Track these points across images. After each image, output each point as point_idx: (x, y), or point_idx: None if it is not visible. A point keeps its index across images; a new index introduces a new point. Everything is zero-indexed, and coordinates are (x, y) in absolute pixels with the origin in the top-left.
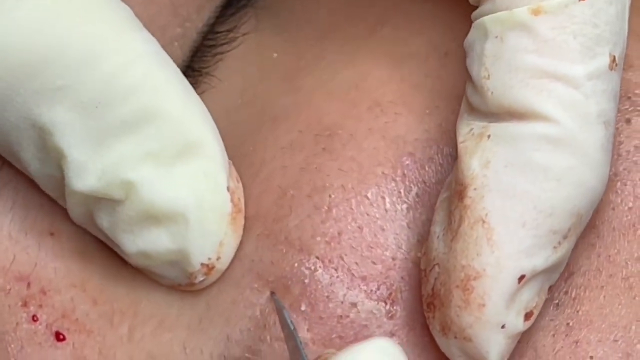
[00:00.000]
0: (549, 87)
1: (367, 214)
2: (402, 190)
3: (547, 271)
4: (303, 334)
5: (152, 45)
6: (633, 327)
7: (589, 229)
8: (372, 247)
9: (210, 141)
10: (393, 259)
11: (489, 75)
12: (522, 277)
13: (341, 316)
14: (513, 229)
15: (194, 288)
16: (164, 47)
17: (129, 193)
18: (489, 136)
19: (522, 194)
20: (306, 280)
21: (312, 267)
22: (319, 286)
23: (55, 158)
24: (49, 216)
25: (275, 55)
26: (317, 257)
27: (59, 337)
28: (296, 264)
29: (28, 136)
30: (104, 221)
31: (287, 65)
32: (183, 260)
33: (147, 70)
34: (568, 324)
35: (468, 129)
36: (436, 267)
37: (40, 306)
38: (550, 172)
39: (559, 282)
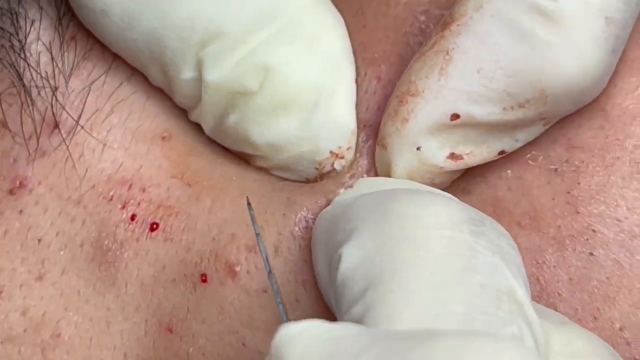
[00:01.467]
0: None
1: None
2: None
3: (494, 129)
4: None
5: None
6: (638, 211)
7: (597, 111)
8: None
9: (342, 38)
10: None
11: None
12: (455, 115)
13: None
14: (468, 69)
15: (322, 180)
16: None
17: (263, 80)
18: None
19: (493, 45)
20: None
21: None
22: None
23: (194, 53)
24: (165, 123)
25: None
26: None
27: (152, 227)
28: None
29: (167, 36)
30: (235, 117)
31: None
32: (312, 149)
33: None
34: (568, 192)
35: None
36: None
37: (139, 204)
38: (527, 38)
39: (557, 149)
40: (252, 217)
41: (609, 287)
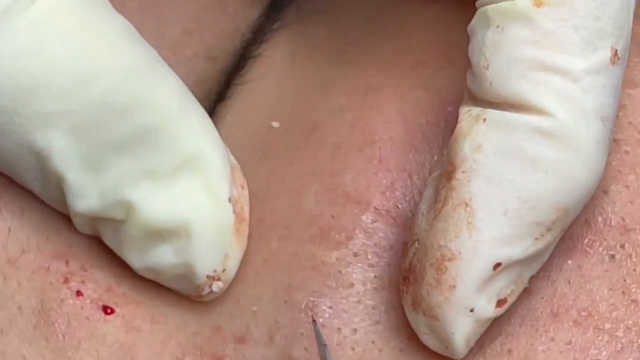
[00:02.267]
0: (546, 80)
1: (415, 162)
2: (446, 136)
3: (527, 261)
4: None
5: (148, 58)
6: None
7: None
8: (423, 194)
9: (210, 152)
10: None
11: (488, 65)
12: (497, 265)
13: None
14: (494, 216)
15: (203, 299)
16: (211, 45)
17: (129, 213)
18: (484, 119)
19: (508, 182)
20: (369, 231)
21: (372, 218)
22: (381, 235)
23: (55, 181)
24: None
25: (321, 33)
26: (375, 208)
27: (106, 311)
28: (356, 216)
29: (27, 161)
30: (110, 239)
31: (333, 41)
32: (189, 274)
33: (140, 88)
34: (625, 280)
35: (467, 110)
36: (416, 242)
37: (83, 282)
38: (538, 164)
39: (613, 234)
40: (317, 332)
41: None
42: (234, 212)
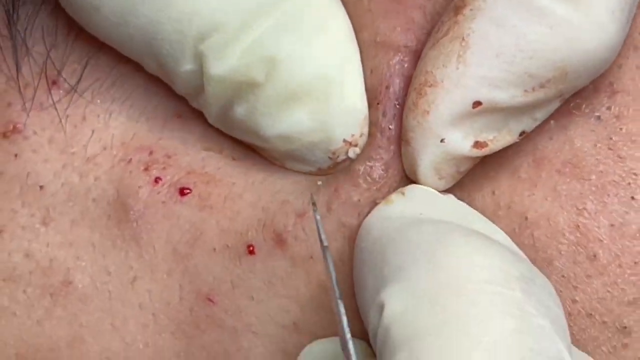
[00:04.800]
0: None
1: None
2: None
3: (514, 111)
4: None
5: None
6: None
7: (638, 51)
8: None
9: (343, 18)
10: None
11: None
12: (477, 103)
13: None
14: (486, 55)
15: (336, 169)
16: None
17: (270, 71)
18: None
19: (510, 27)
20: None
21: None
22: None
23: (192, 47)
24: (174, 103)
25: None
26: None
27: (183, 192)
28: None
29: (165, 30)
30: (242, 109)
31: None
32: (326, 139)
33: None
34: (611, 138)
35: None
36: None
37: (164, 168)
38: (545, 18)
39: (600, 97)
40: (318, 222)
41: None
42: None
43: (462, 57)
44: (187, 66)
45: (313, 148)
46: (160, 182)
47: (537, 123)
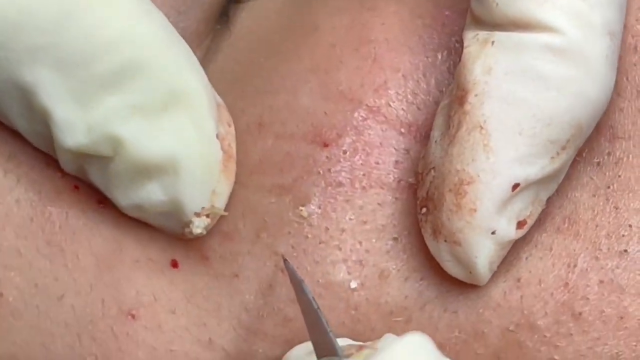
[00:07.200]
0: None
1: (410, 63)
2: (442, 39)
3: (544, 181)
4: (363, 181)
5: None
6: None
7: (638, 94)
8: (415, 94)
9: (196, 89)
10: (436, 103)
11: None
12: (515, 185)
13: (397, 162)
14: (510, 136)
15: (192, 237)
16: None
17: (117, 148)
18: (492, 42)
19: (521, 101)
20: (359, 129)
21: (363, 116)
22: (372, 133)
23: (41, 116)
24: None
25: None
26: (367, 106)
27: (101, 201)
28: (348, 113)
29: (12, 96)
30: (96, 176)
31: None
32: (177, 211)
33: (128, 23)
34: (609, 187)
35: (473, 35)
36: (432, 170)
37: (79, 178)
38: (550, 82)
39: (601, 142)
40: (291, 270)
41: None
42: (222, 148)
43: (488, 145)
44: (38, 129)
45: (167, 218)
46: (79, 190)
47: (559, 183)
